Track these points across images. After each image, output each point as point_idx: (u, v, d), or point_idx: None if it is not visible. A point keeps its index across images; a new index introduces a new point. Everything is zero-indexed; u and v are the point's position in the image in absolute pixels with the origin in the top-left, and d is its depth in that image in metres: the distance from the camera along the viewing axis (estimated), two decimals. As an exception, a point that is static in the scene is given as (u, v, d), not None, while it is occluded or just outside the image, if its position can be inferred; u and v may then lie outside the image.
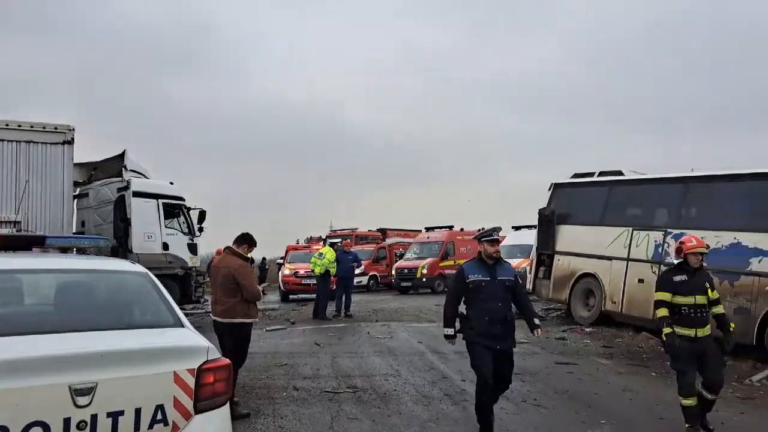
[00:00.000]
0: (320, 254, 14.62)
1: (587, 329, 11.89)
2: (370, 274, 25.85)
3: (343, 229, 32.07)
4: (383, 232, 31.99)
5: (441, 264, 23.41)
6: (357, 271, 25.49)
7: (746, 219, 9.65)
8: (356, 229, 31.88)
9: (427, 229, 25.82)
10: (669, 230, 10.73)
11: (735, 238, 9.47)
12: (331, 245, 14.39)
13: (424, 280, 22.96)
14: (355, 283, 25.41)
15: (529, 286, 14.49)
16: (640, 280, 11.18)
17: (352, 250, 15.88)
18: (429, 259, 23.34)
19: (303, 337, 11.16)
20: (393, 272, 24.08)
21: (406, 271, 23.35)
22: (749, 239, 9.27)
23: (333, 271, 14.05)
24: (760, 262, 9.01)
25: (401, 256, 25.73)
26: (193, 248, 14.76)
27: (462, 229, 25.25)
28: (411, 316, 14.25)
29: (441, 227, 25.17)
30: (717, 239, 9.75)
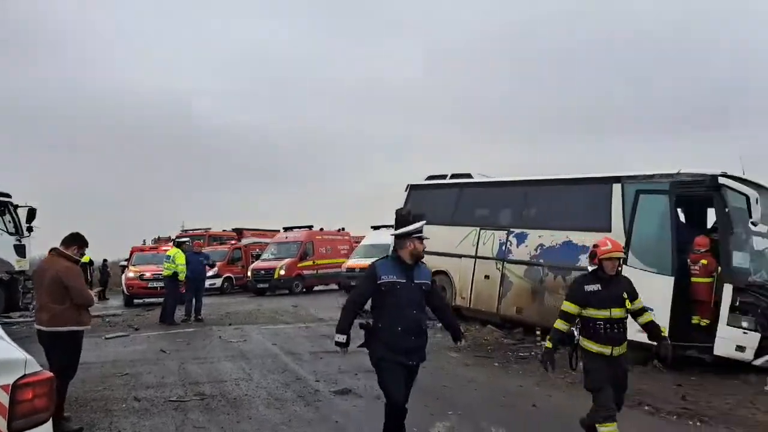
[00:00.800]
0: (167, 257, 13.60)
1: (438, 324, 12.32)
2: (225, 275, 24.91)
3: (195, 229, 30.57)
4: (239, 232, 30.96)
5: (299, 264, 23.15)
6: (210, 273, 24.67)
7: (576, 220, 10.61)
8: (209, 229, 30.57)
9: (285, 229, 25.41)
10: (511, 229, 11.50)
11: (567, 237, 10.38)
12: (178, 245, 13.49)
13: (281, 281, 22.54)
14: (207, 286, 24.57)
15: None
16: (486, 277, 11.86)
17: (203, 251, 15.10)
18: (287, 260, 22.97)
19: (147, 344, 10.36)
20: (249, 273, 23.36)
21: (262, 272, 22.77)
22: (578, 238, 10.19)
23: (183, 274, 13.15)
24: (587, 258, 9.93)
25: (258, 257, 25.08)
26: (20, 250, 13.16)
27: (321, 229, 25.20)
28: (266, 318, 13.88)
29: (300, 227, 24.90)
30: (552, 238, 10.64)
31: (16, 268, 12.93)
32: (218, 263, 24.99)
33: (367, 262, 22.13)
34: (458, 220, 12.89)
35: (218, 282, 24.75)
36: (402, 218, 13.64)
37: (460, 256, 12.50)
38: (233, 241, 28.22)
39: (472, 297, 12.15)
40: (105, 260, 28.51)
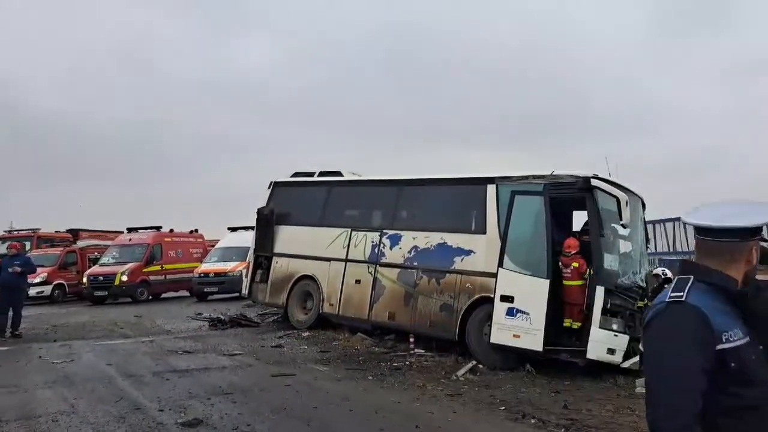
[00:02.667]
0: None
1: (304, 334, 11.38)
2: (56, 282, 21.71)
3: (21, 230, 26.57)
4: (74, 234, 27.43)
5: (145, 269, 20.85)
6: (37, 279, 21.39)
7: (451, 221, 10.23)
8: (38, 229, 26.69)
9: (129, 230, 22.81)
10: (385, 231, 10.86)
11: (442, 239, 9.94)
12: None
13: (123, 288, 20.09)
14: (33, 294, 21.29)
15: (244, 290, 13.52)
16: (357, 281, 11.10)
17: (27, 254, 12.72)
18: (131, 264, 20.54)
19: None
20: (85, 280, 20.56)
21: (101, 278, 20.16)
22: (453, 240, 9.80)
23: None
24: (462, 260, 9.56)
25: (96, 261, 22.24)
26: None
27: (172, 230, 22.98)
28: (102, 332, 11.93)
29: (146, 228, 22.48)
30: (427, 240, 10.16)
31: None
32: (47, 269, 21.80)
33: (223, 266, 20.61)
34: (327, 221, 12.03)
35: (47, 289, 21.54)
36: (264, 218, 12.51)
37: (329, 259, 11.63)
38: (67, 243, 24.84)
39: (341, 303, 11.32)
40: None
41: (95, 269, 20.95)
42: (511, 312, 8.43)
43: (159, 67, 64.75)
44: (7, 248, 11.72)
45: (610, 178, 8.73)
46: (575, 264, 8.30)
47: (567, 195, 8.70)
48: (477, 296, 9.19)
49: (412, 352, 9.50)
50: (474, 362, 8.60)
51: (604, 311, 7.99)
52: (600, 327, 7.94)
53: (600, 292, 7.97)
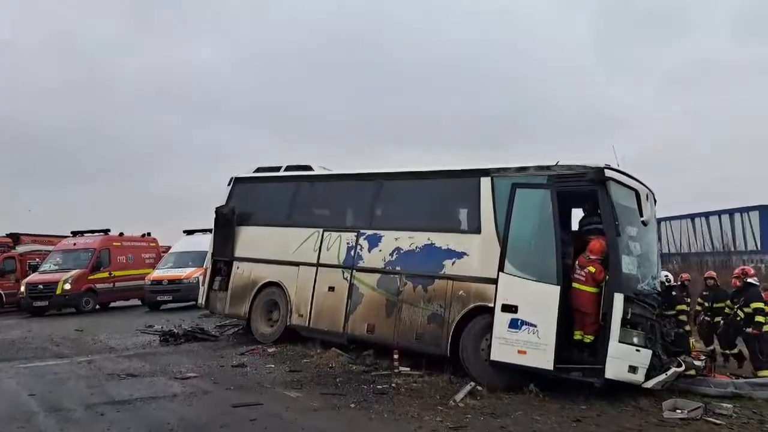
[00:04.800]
0: None
1: (270, 350, 9.99)
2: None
3: (-47, 234, 24.20)
4: (15, 238, 25.17)
5: (91, 276, 18.99)
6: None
7: (439, 220, 9.05)
8: (-30, 234, 24.38)
9: (74, 234, 20.84)
10: (362, 231, 9.58)
11: (429, 239, 8.72)
12: None
13: (66, 297, 18.20)
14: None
15: (201, 300, 12.04)
16: (331, 288, 9.79)
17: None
18: (75, 271, 18.66)
19: None
20: (23, 289, 18.57)
21: (41, 286, 18.22)
22: (442, 240, 8.59)
23: None
24: (453, 264, 8.35)
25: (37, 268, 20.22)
26: None
27: (121, 234, 21.11)
28: (33, 351, 10.24)
29: (93, 231, 20.57)
30: (411, 241, 8.92)
31: None
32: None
33: (178, 272, 18.88)
34: (296, 221, 10.70)
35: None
36: (223, 218, 10.99)
37: (297, 263, 10.29)
38: (4, 249, 22.63)
39: (312, 314, 9.97)
40: None
41: (34, 277, 18.98)
42: (514, 324, 7.26)
43: (103, 66, 61.83)
44: None
45: (622, 169, 7.68)
46: (592, 269, 7.17)
47: (575, 188, 7.60)
48: (472, 305, 7.98)
49: (397, 370, 8.24)
50: (472, 384, 7.38)
51: (623, 322, 6.90)
52: (620, 341, 6.84)
53: (619, 300, 6.87)
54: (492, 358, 7.38)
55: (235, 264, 11.32)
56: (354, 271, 9.44)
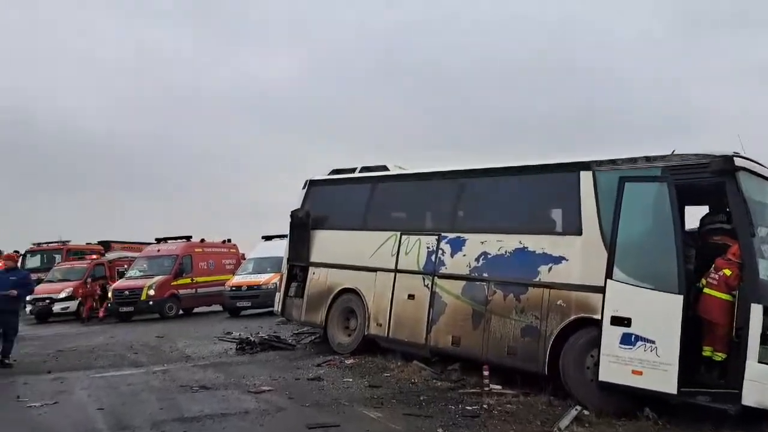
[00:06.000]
0: None
1: (348, 361, 9.39)
2: (81, 298, 20.27)
3: (50, 242, 25.53)
4: (106, 246, 26.28)
5: (174, 282, 19.25)
6: (62, 295, 20.06)
7: (532, 220, 8.13)
8: (68, 241, 25.64)
9: (158, 241, 21.28)
10: (444, 234, 8.79)
11: (520, 242, 7.81)
12: None
13: (150, 303, 18.51)
14: (58, 310, 19.95)
15: (277, 306, 11.65)
16: (410, 296, 9.07)
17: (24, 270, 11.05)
18: (159, 277, 18.97)
19: None
20: (110, 295, 19.08)
21: (126, 292, 18.63)
22: (536, 243, 7.66)
23: None
24: (549, 270, 7.40)
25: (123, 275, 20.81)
26: None
27: (203, 240, 21.35)
28: (110, 359, 10.15)
29: (175, 238, 20.92)
30: (500, 244, 8.04)
31: None
32: (74, 282, 20.51)
33: (256, 278, 18.80)
34: (372, 224, 10.07)
35: (73, 305, 20.19)
36: (299, 222, 10.47)
37: (374, 269, 9.65)
38: (94, 256, 23.55)
39: (391, 323, 9.29)
40: None
41: (121, 283, 19.48)
42: (627, 339, 6.23)
43: (177, 81, 64.38)
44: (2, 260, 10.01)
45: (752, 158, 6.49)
46: (727, 271, 6.04)
47: (696, 180, 6.48)
48: (573, 317, 7.00)
49: (487, 388, 7.37)
50: (578, 408, 6.41)
51: (763, 339, 5.73)
52: (759, 361, 5.68)
53: (757, 312, 5.70)
54: (600, 378, 6.38)
55: (311, 269, 10.84)
56: (435, 277, 8.68)
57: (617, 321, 6.30)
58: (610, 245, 6.59)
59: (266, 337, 11.70)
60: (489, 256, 8.12)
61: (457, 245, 8.59)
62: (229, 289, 18.63)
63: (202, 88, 66.00)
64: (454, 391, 7.42)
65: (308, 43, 67.29)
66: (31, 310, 20.31)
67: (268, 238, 20.18)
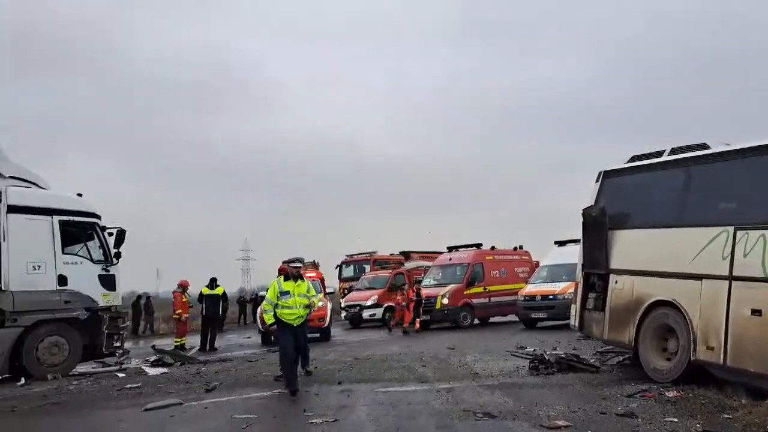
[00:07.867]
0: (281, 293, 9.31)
1: (669, 393, 7.38)
2: (386, 305, 21.56)
3: (360, 254, 28.17)
4: (406, 256, 27.83)
5: (467, 291, 19.02)
6: (369, 303, 21.62)
7: None
8: (375, 252, 27.94)
9: (450, 249, 21.42)
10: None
11: None
12: (280, 272, 9.48)
13: (445, 312, 18.60)
14: (367, 316, 21.53)
15: (574, 321, 10.12)
16: (756, 312, 6.70)
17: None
18: (451, 286, 18.99)
19: (191, 426, 6.89)
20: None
21: (423, 300, 19.05)
22: None
23: (268, 314, 8.78)
24: None
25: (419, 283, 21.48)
26: (108, 281, 11.05)
27: (493, 248, 20.78)
28: (398, 372, 9.89)
29: (466, 246, 20.78)
30: None
31: (101, 304, 10.81)
32: (378, 291, 22.02)
33: (551, 287, 17.32)
34: (691, 218, 7.91)
35: (378, 312, 21.61)
36: (593, 221, 8.72)
37: (698, 276, 7.48)
38: (395, 265, 25.06)
39: (728, 347, 7.02)
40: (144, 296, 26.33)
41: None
42: None
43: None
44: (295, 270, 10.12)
45: None
46: None
47: None
48: None
49: None
50: None
51: None
52: None
53: None
54: None
55: (612, 278, 9.06)
56: (798, 286, 6.18)
57: None
58: None
59: (564, 355, 10.21)
60: None
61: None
62: (523, 298, 17.57)
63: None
64: None
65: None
66: (345, 316, 22.44)
67: (561, 243, 18.58)
